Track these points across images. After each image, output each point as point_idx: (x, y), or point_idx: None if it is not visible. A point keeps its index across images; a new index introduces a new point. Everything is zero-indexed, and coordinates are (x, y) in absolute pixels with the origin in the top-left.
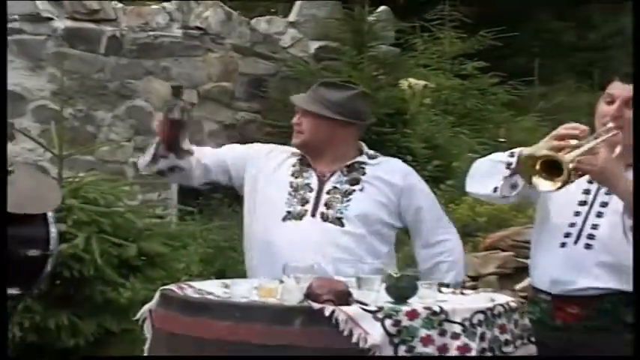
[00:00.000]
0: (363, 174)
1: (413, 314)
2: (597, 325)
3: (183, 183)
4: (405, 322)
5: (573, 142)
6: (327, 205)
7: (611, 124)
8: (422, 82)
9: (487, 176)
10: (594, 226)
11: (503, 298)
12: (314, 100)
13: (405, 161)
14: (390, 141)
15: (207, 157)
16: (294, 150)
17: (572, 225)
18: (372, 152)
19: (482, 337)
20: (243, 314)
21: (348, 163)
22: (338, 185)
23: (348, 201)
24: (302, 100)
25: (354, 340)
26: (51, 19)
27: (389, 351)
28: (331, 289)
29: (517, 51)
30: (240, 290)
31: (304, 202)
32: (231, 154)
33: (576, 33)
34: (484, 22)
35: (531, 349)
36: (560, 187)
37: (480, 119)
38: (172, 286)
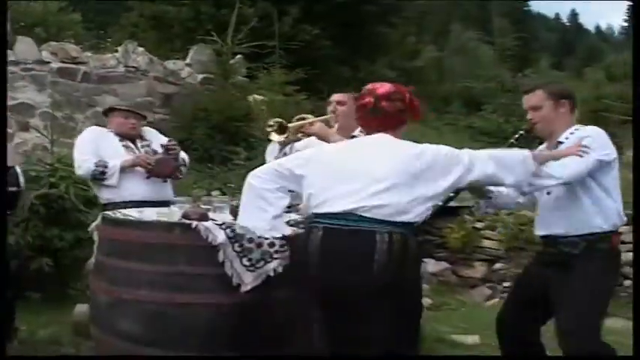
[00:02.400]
0: None
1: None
2: None
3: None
4: (238, 230)
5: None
6: None
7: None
8: (260, 97)
9: None
10: None
11: (294, 216)
12: None
13: (249, 142)
14: (242, 130)
15: None
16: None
17: None
18: None
19: (282, 238)
20: (146, 227)
21: None
22: None
23: None
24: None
25: (209, 240)
26: (49, 62)
27: (229, 247)
28: (197, 212)
29: (317, 81)
30: (148, 213)
31: None
32: None
33: (351, 72)
34: (300, 65)
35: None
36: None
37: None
38: (109, 212)
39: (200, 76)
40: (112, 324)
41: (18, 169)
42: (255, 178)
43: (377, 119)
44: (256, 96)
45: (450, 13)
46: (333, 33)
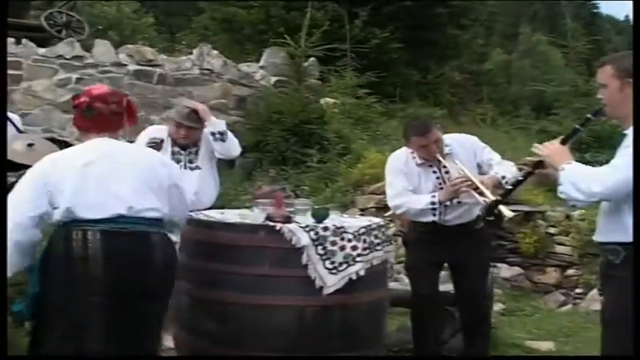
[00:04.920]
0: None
1: (326, 228)
2: (464, 231)
3: None
4: (321, 232)
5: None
6: None
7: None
8: (332, 100)
9: (421, 214)
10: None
11: (376, 220)
12: None
13: (322, 145)
14: (316, 133)
15: None
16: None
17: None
18: None
19: (364, 241)
20: (231, 228)
21: None
22: None
23: None
24: None
25: (292, 242)
26: (126, 64)
27: (312, 249)
28: (281, 215)
29: (388, 84)
30: (229, 215)
31: None
32: None
33: (420, 74)
34: (370, 68)
35: (391, 248)
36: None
37: (366, 121)
38: (192, 213)
39: (273, 79)
40: (194, 324)
41: None
42: None
43: (91, 120)
44: (329, 99)
45: (519, 16)
46: (403, 36)
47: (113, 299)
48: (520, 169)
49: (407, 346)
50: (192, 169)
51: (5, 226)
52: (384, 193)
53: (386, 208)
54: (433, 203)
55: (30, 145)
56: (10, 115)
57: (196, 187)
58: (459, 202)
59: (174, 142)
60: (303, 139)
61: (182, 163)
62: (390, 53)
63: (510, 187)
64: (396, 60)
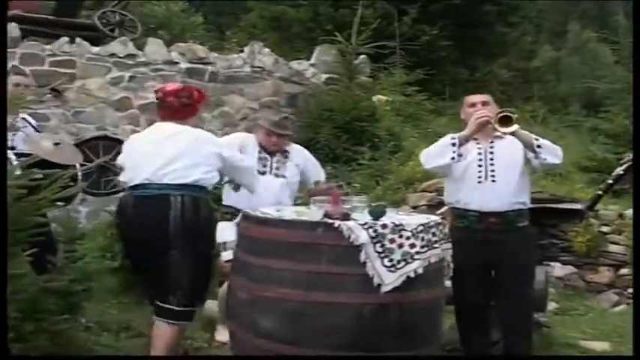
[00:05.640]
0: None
1: (384, 226)
2: (504, 228)
3: None
4: (380, 230)
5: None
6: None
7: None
8: (384, 98)
9: (440, 155)
10: (492, 170)
11: (434, 217)
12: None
13: (374, 142)
14: (367, 130)
15: None
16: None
17: (479, 171)
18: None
19: (422, 239)
20: (288, 225)
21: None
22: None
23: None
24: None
25: (351, 240)
26: (178, 62)
27: (370, 247)
28: (339, 212)
29: (436, 82)
30: (286, 212)
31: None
32: None
33: (468, 72)
34: (419, 66)
35: (448, 246)
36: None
37: (416, 118)
38: (248, 210)
39: (324, 76)
40: (251, 321)
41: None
42: None
43: (165, 111)
44: (380, 96)
45: (567, 13)
46: (451, 33)
47: (142, 250)
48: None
49: (459, 345)
50: (277, 175)
51: (5, 226)
52: (435, 190)
53: (438, 205)
54: (453, 138)
55: (56, 144)
56: (25, 116)
57: (278, 195)
58: (493, 181)
59: (263, 149)
60: (354, 136)
61: (267, 168)
62: (438, 51)
63: (611, 181)
64: (445, 58)
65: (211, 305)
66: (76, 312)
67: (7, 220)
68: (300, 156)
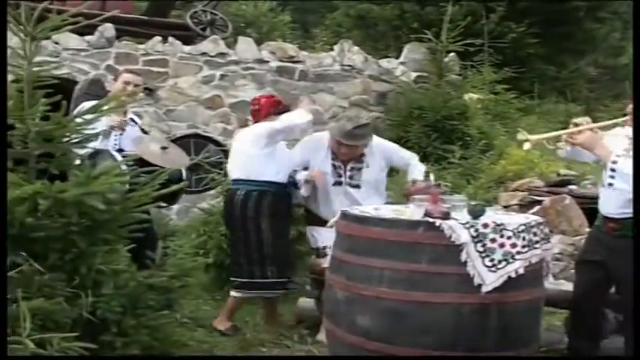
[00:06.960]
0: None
1: (485, 225)
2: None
3: None
4: (481, 229)
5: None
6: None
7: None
8: (475, 96)
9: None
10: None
11: (534, 217)
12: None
13: (464, 141)
14: (458, 129)
15: None
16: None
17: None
18: None
19: (523, 239)
20: (389, 224)
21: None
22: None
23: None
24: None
25: (452, 239)
26: (268, 61)
27: (472, 246)
28: (439, 211)
29: (524, 80)
30: (384, 211)
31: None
32: None
33: (555, 70)
34: (506, 63)
35: (549, 246)
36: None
37: (505, 117)
38: (347, 208)
39: (414, 74)
40: (349, 319)
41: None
42: None
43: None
44: (472, 94)
45: None
46: (538, 30)
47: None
48: None
49: (555, 346)
50: (352, 186)
51: (5, 226)
52: (527, 190)
53: (529, 205)
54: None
55: (164, 148)
56: (133, 116)
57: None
58: (610, 185)
59: (335, 156)
60: (444, 135)
61: (343, 178)
62: (526, 48)
63: None
64: (532, 55)
65: (304, 303)
66: (174, 308)
67: (7, 220)
68: (378, 152)
